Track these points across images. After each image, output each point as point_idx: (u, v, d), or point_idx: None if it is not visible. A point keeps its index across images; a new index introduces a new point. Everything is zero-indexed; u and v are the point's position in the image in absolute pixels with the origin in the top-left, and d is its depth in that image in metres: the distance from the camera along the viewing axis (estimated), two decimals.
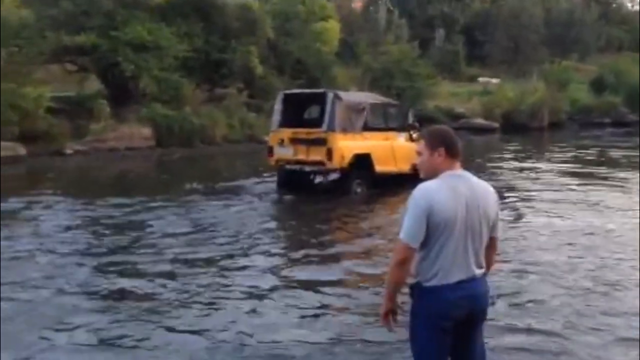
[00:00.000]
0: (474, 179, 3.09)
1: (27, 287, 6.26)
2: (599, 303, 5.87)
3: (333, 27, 35.15)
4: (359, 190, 11.96)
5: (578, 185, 13.70)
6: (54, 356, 4.71)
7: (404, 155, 12.03)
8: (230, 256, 7.60)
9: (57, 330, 5.19)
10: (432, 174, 3.06)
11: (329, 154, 11.43)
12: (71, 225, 9.38)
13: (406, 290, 3.12)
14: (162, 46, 23.31)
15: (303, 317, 5.53)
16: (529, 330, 5.15)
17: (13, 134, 18.57)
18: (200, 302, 5.85)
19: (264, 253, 7.79)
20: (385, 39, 42.14)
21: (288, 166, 12.16)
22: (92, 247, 8.04)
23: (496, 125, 33.18)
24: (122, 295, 6.08)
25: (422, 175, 3.13)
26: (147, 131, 21.90)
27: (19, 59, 20.31)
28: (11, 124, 18.47)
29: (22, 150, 18.40)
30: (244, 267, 7.13)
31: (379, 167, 12.10)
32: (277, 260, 7.55)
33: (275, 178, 12.85)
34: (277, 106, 12.51)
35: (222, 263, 7.28)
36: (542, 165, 17.79)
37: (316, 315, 5.59)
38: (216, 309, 5.72)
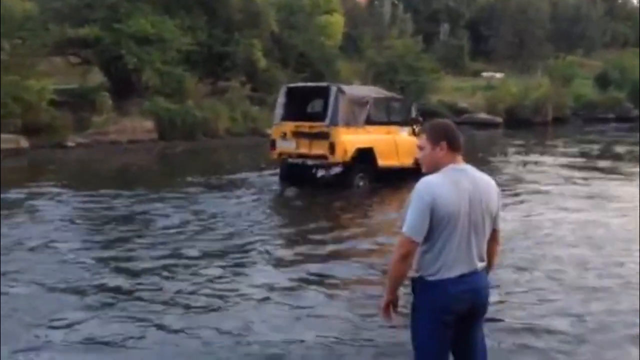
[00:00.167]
0: (476, 172, 3.08)
1: (22, 282, 6.20)
2: (604, 301, 5.80)
3: (337, 21, 35.03)
4: (361, 184, 11.90)
5: (582, 179, 13.67)
6: (49, 355, 4.60)
7: (407, 149, 11.94)
8: (230, 252, 7.51)
9: (50, 327, 5.07)
10: (434, 168, 3.05)
11: (332, 147, 11.39)
12: (72, 218, 9.34)
13: (407, 283, 3.08)
14: (165, 39, 23.19)
15: (302, 315, 5.45)
16: (532, 330, 5.09)
17: (16, 127, 18.54)
18: (198, 300, 5.76)
19: (263, 249, 7.69)
20: (390, 33, 42.12)
21: (290, 160, 12.13)
22: (90, 241, 7.99)
23: (499, 120, 33.05)
24: (117, 291, 5.98)
25: (424, 170, 3.12)
26: (149, 124, 21.81)
27: (23, 51, 20.27)
28: (14, 117, 18.44)
29: (24, 142, 18.37)
30: (243, 264, 7.05)
31: (381, 161, 12.04)
32: (277, 257, 7.44)
33: (277, 171, 12.81)
34: (280, 99, 12.49)
35: (221, 259, 7.19)
36: (545, 159, 17.72)
37: (316, 314, 5.49)
38: (214, 308, 5.61)
